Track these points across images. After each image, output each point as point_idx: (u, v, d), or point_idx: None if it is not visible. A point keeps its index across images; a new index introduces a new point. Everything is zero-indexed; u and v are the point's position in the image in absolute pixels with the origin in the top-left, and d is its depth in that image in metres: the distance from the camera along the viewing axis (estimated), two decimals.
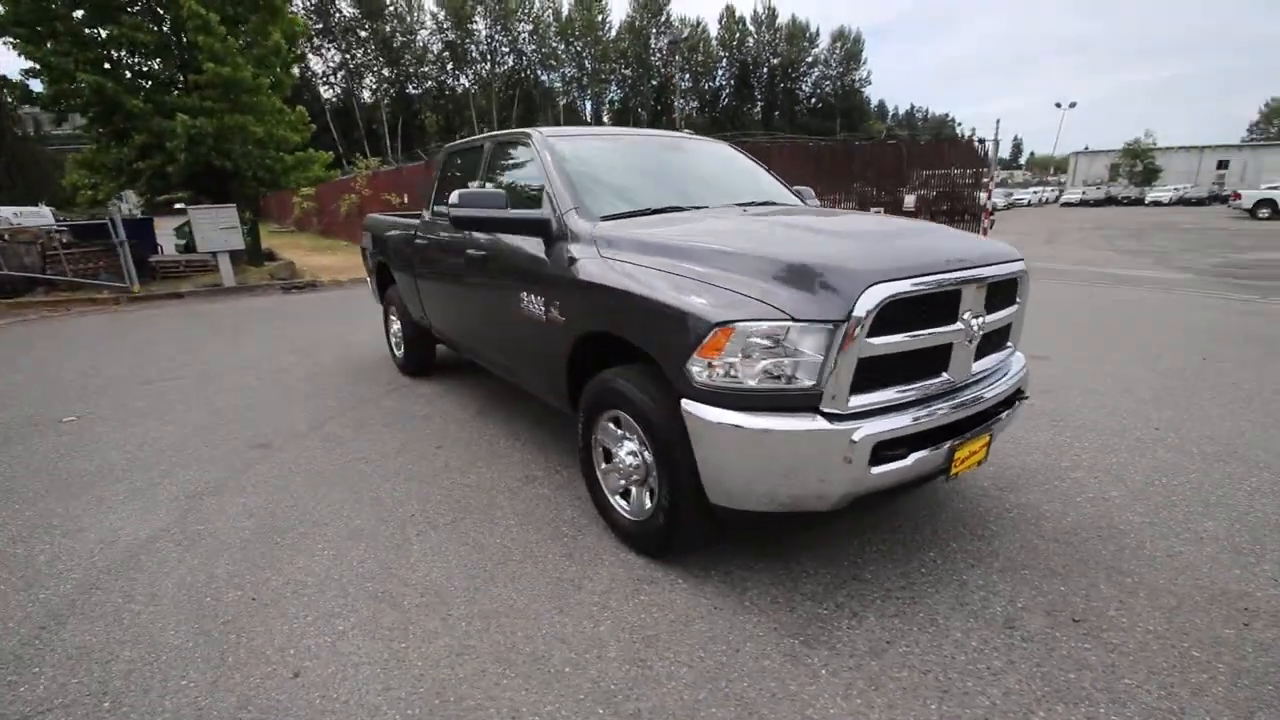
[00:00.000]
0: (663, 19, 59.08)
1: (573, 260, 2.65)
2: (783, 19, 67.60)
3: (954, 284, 2.11)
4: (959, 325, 2.16)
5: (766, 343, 1.95)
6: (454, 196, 2.94)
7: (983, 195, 16.62)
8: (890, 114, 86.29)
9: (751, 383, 2.00)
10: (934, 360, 2.18)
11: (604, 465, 2.72)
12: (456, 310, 3.88)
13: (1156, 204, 42.45)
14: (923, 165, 17.10)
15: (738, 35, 65.24)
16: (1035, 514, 2.85)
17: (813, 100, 71.54)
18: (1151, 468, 3.27)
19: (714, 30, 63.31)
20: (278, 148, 18.32)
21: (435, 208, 4.11)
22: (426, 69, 55.54)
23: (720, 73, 65.40)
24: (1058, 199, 53.55)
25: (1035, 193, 55.54)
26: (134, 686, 1.98)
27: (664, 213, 2.88)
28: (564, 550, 2.66)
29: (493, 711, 1.84)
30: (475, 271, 3.48)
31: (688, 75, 63.29)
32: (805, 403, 1.99)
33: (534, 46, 56.31)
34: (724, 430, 2.02)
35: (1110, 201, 46.99)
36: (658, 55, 60.20)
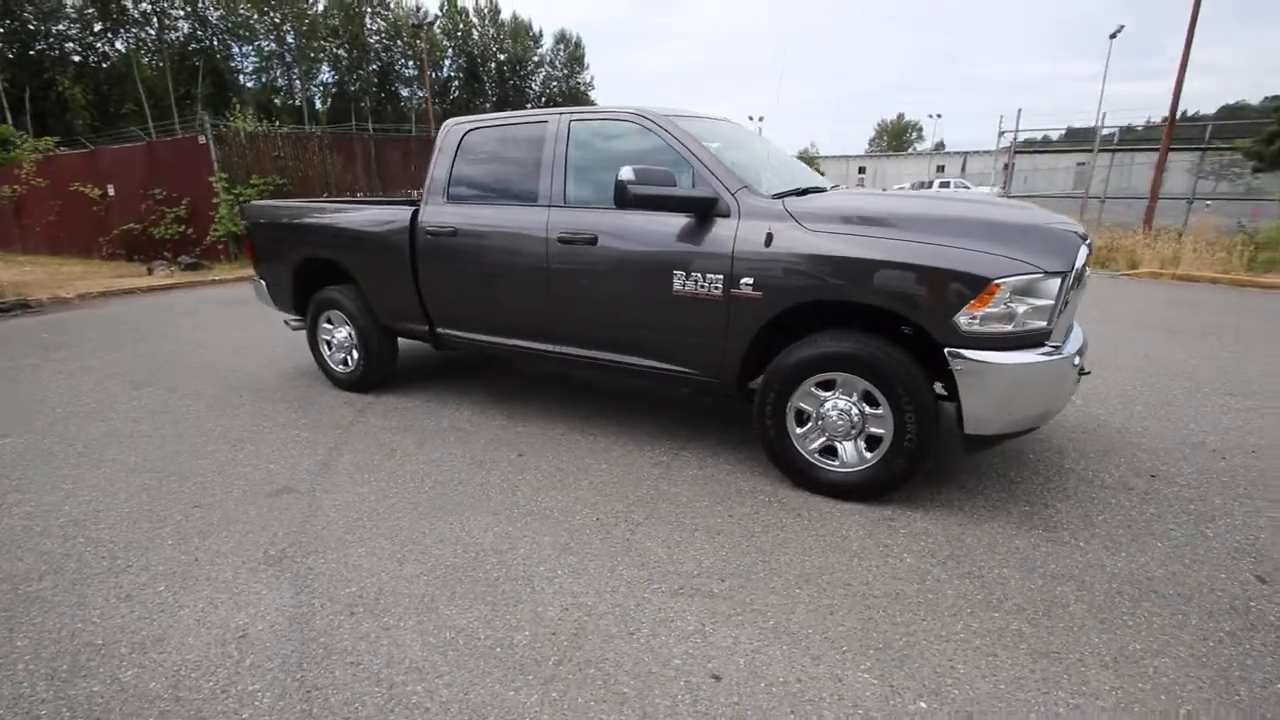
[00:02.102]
0: (377, 1, 54.35)
1: (770, 236, 2.76)
2: (505, 15, 67.70)
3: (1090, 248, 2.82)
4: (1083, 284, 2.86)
5: (1023, 293, 2.41)
6: (627, 173, 2.77)
7: None
8: None
9: (1009, 327, 2.44)
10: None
11: (798, 430, 2.90)
12: (519, 298, 3.52)
13: None
14: None
15: (461, 27, 63.35)
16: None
17: (543, 99, 73.17)
18: None
19: (433, 13, 60.39)
20: None
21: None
22: (64, 27, 42.35)
23: (448, 63, 62.82)
24: None
25: None
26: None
27: (809, 193, 3.11)
28: (784, 512, 2.78)
29: (901, 642, 2.00)
30: (576, 257, 3.25)
31: (412, 63, 59.38)
32: (1039, 340, 2.50)
33: (221, 12, 46.93)
34: (995, 368, 2.43)
35: None
36: (377, 38, 55.32)
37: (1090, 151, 18.77)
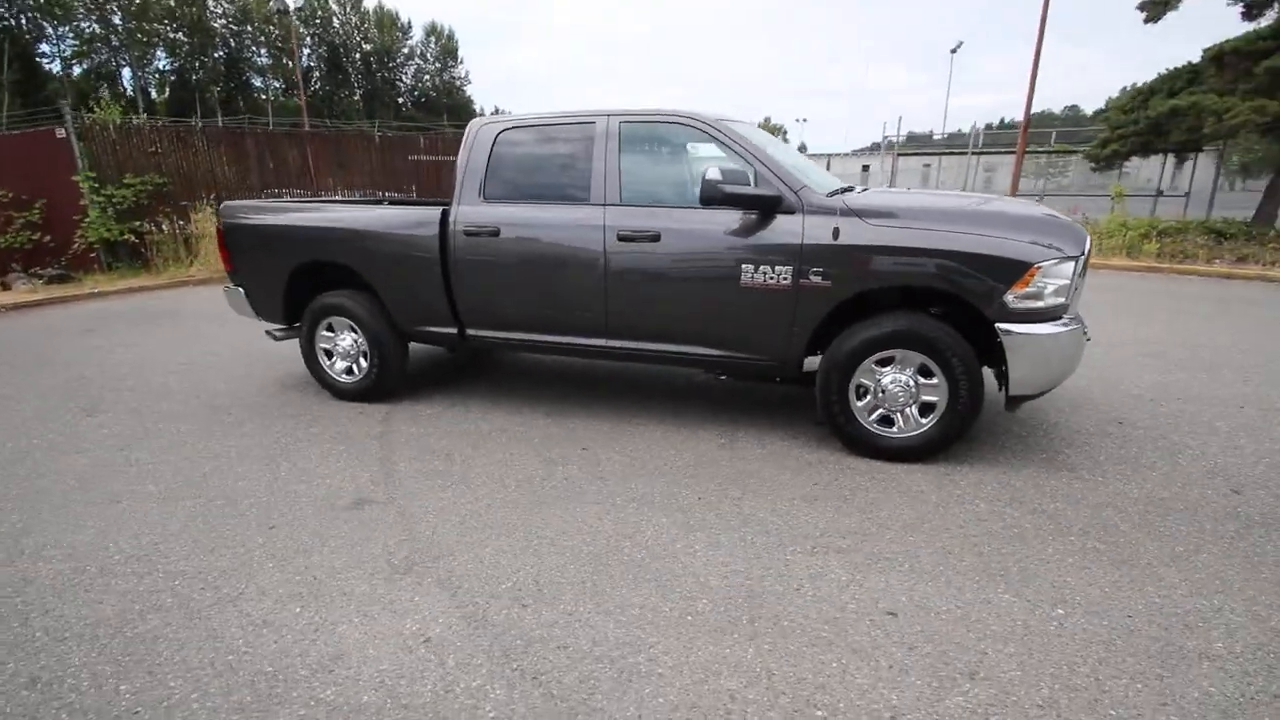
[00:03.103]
0: None
1: (837, 230, 3.08)
2: (370, 3, 63.86)
3: None
4: None
5: (1051, 274, 2.91)
6: (714, 173, 2.97)
7: None
8: (494, 113, 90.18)
9: (1041, 303, 2.94)
10: None
11: (858, 403, 3.26)
12: (573, 295, 3.59)
13: None
14: None
15: (320, 14, 58.85)
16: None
17: (415, 93, 69.75)
18: None
19: (292, 3, 55.50)
20: None
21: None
22: None
23: (307, 52, 58.09)
24: None
25: None
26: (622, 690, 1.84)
27: (847, 191, 3.46)
28: (859, 477, 3.12)
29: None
30: (637, 253, 3.39)
31: (264, 51, 54.29)
32: (1058, 314, 3.01)
33: None
34: (1037, 338, 2.92)
35: None
36: (222, 22, 49.91)
37: (962, 153, 21.29)
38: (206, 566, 2.51)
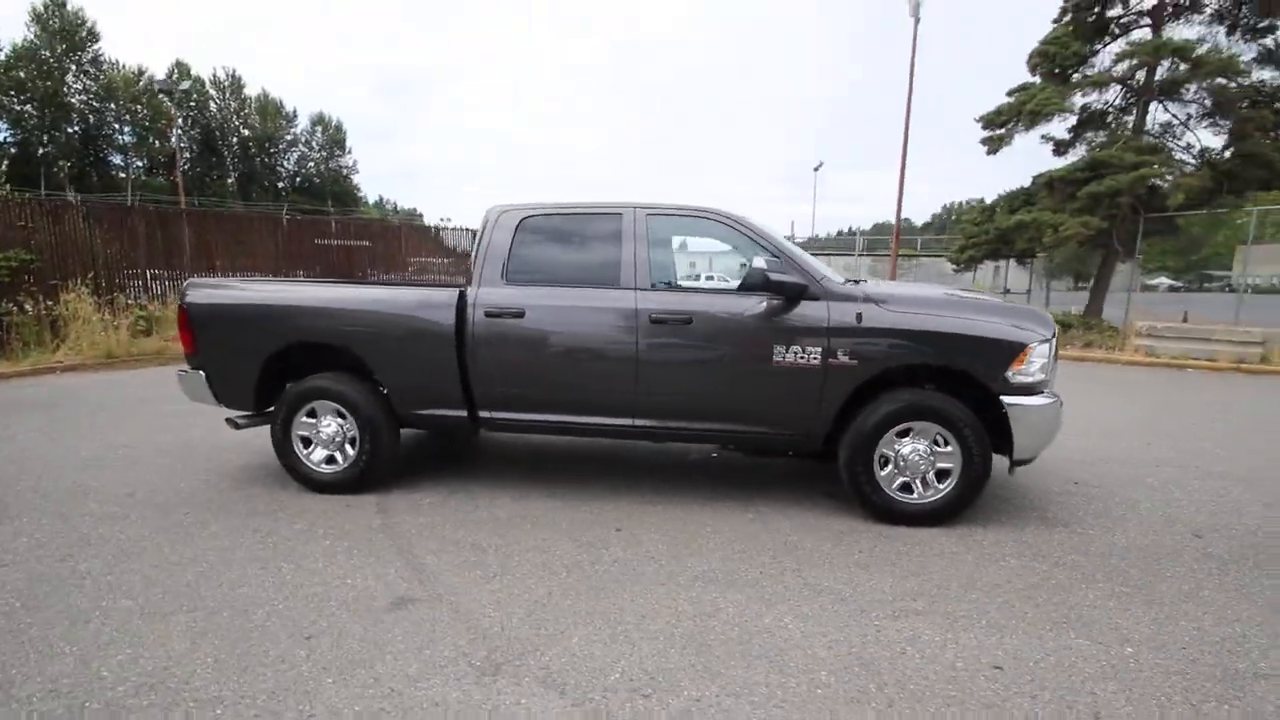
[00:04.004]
0: (88, 57, 45.62)
1: (860, 315, 3.40)
2: (252, 90, 62.32)
3: None
4: None
5: (1038, 354, 3.39)
6: (761, 263, 3.21)
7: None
8: (377, 202, 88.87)
9: (1031, 379, 3.39)
10: None
11: (882, 472, 3.49)
12: (604, 376, 3.61)
13: None
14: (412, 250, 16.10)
15: (196, 96, 56.40)
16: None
17: (298, 179, 67.61)
18: None
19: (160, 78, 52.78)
20: None
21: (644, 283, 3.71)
22: None
23: (177, 133, 54.93)
24: None
25: None
26: None
27: (855, 283, 3.84)
28: (895, 542, 3.29)
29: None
30: (670, 335, 3.52)
31: (130, 129, 50.63)
32: (1043, 388, 3.48)
33: None
34: (1037, 409, 3.33)
35: None
36: (82, 98, 46.15)
37: (850, 254, 23.99)
38: (248, 689, 2.13)
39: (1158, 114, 13.66)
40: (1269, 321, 10.90)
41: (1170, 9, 12.81)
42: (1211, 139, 13.24)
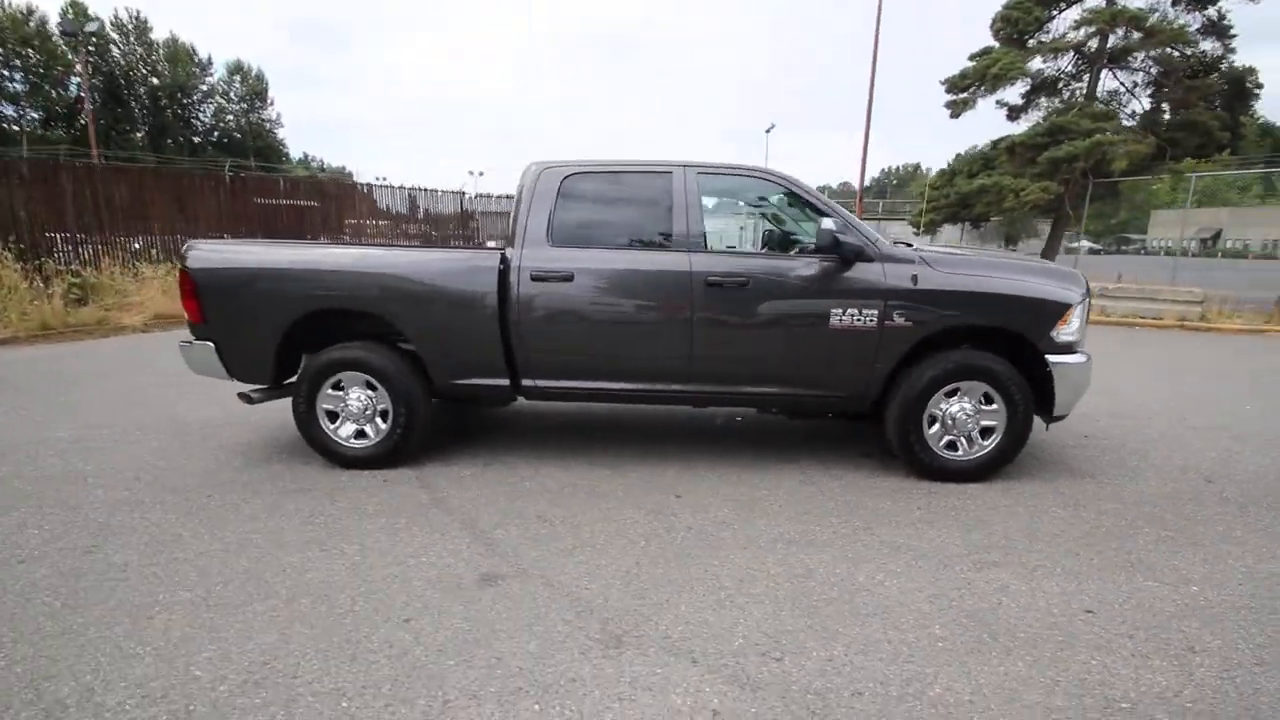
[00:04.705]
0: None
1: (915, 277, 3.43)
2: (159, 34, 56.62)
3: None
4: None
5: (1078, 312, 3.52)
6: (830, 224, 3.16)
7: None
8: (301, 159, 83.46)
9: (1073, 337, 3.52)
10: None
11: (932, 429, 3.59)
12: (657, 341, 3.54)
13: None
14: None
15: (96, 40, 50.78)
16: None
17: (216, 133, 62.51)
18: None
19: (54, 20, 47.19)
20: None
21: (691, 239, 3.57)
22: None
23: (77, 81, 49.55)
24: None
25: None
26: None
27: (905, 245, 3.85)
28: (947, 497, 3.41)
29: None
30: (726, 298, 3.46)
31: (21, 76, 45.26)
32: (1078, 346, 3.63)
33: None
34: (1076, 366, 3.48)
35: None
36: None
37: None
38: (366, 678, 2.03)
39: (1106, 81, 14.26)
40: (1193, 283, 11.78)
41: None
42: (1150, 107, 13.96)
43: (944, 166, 15.67)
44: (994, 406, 3.53)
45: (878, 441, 4.21)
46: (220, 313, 3.70)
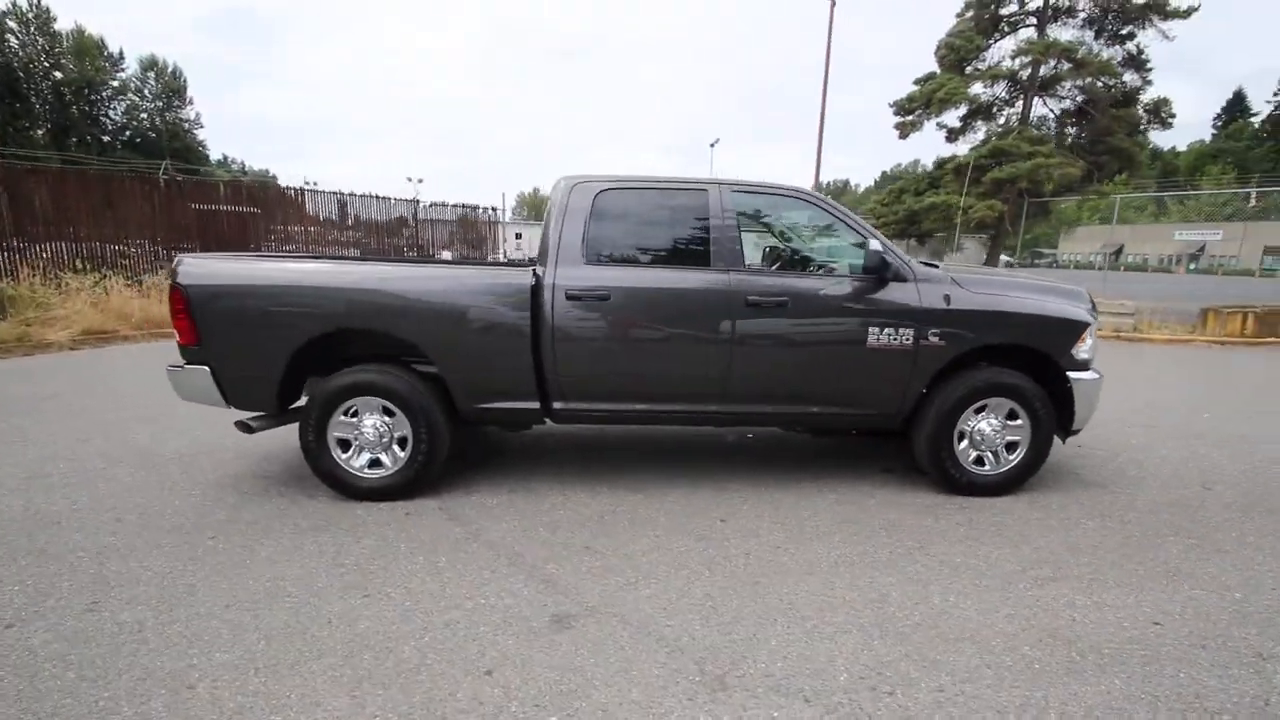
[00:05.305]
0: None
1: (948, 297, 3.50)
2: (64, 25, 52.36)
3: None
4: None
5: (1091, 331, 3.69)
6: (877, 244, 3.19)
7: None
8: (221, 160, 78.84)
9: (1086, 355, 3.69)
10: None
11: (960, 445, 3.67)
12: (696, 362, 3.47)
13: None
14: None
15: None
16: None
17: (128, 132, 58.23)
18: None
19: None
20: None
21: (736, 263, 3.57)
22: None
23: None
24: None
25: None
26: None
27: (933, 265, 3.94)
28: (983, 513, 3.48)
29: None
30: (766, 318, 3.43)
31: None
32: (1090, 364, 3.80)
33: None
34: (1092, 382, 3.64)
35: None
36: None
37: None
38: None
39: (1036, 108, 15.29)
40: (1119, 295, 12.72)
41: (1050, 12, 14.26)
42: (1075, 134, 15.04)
43: (870, 184, 16.40)
44: (1019, 422, 3.64)
45: (899, 457, 4.29)
46: (219, 333, 3.38)
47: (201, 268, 3.41)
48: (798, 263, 4.05)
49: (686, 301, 3.45)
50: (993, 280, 3.71)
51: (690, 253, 3.53)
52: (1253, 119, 60.65)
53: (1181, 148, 64.31)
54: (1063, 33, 14.58)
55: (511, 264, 3.99)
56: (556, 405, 3.56)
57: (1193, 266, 45.03)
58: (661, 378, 3.53)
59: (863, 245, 3.49)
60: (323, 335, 3.39)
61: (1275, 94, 54.24)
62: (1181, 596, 2.68)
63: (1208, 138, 65.17)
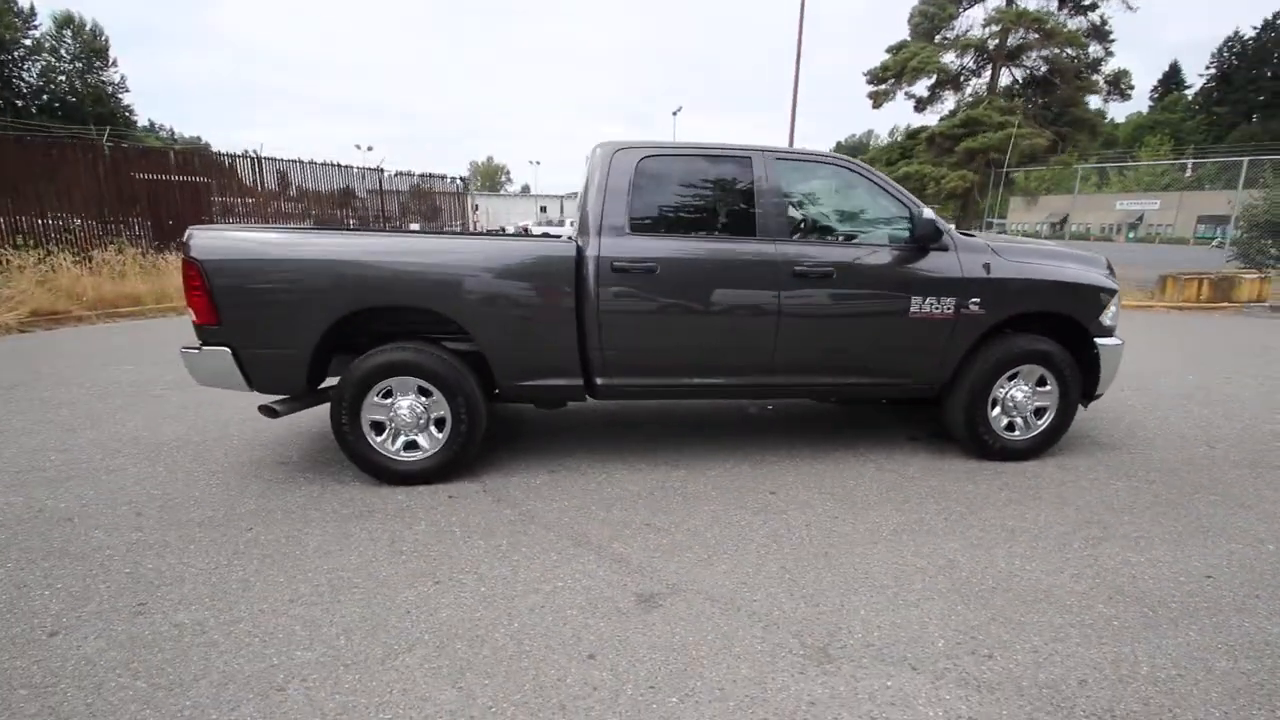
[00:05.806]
0: None
1: (988, 265, 3.54)
2: None
3: None
4: None
5: (1116, 298, 3.80)
6: (929, 213, 3.17)
7: None
8: (147, 127, 73.78)
9: (1111, 322, 3.80)
10: None
11: (994, 412, 3.75)
12: (744, 334, 3.42)
13: None
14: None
15: None
16: None
17: (46, 96, 53.71)
18: None
19: None
20: None
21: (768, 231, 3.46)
22: None
23: None
24: None
25: None
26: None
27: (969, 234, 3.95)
28: (1019, 477, 3.58)
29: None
30: (812, 288, 3.40)
31: None
32: (1113, 330, 3.91)
33: None
34: (1116, 348, 3.75)
35: None
36: None
37: None
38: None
39: (1002, 79, 15.54)
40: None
41: None
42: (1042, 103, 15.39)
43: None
44: (1047, 388, 3.74)
45: (924, 425, 4.37)
46: (242, 311, 3.16)
47: (218, 240, 3.17)
48: (839, 232, 4.02)
49: (734, 273, 3.39)
50: (1028, 248, 3.77)
51: (736, 223, 3.46)
52: (1186, 91, 63.43)
53: (1120, 119, 66.82)
54: (1029, 1, 14.83)
55: (545, 235, 3.83)
56: (599, 381, 3.47)
57: (1131, 235, 47.16)
58: (707, 351, 3.47)
59: (906, 215, 3.48)
60: (353, 313, 3.20)
61: (1207, 67, 56.71)
62: (1223, 550, 2.81)
63: (1145, 109, 67.84)
